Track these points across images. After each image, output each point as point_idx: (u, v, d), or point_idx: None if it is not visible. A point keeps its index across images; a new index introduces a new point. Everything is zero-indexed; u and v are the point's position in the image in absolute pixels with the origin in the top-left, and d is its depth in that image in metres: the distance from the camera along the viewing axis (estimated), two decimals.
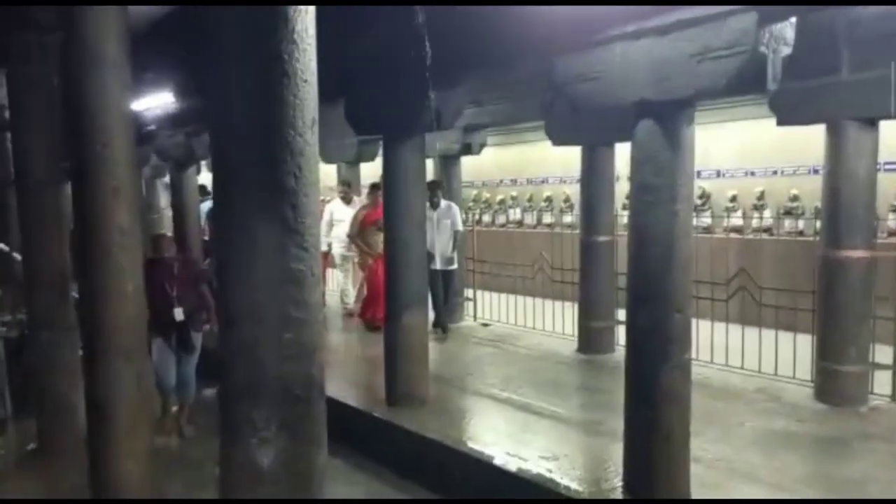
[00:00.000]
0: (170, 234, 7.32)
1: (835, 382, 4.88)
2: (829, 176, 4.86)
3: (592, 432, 4.55)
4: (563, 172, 10.32)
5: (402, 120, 4.70)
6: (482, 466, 4.08)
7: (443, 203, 7.24)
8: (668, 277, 3.27)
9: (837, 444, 4.28)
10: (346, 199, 8.47)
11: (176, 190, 9.08)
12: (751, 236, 7.82)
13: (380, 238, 7.21)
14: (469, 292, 8.00)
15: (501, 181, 11.53)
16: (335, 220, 8.39)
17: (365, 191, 8.45)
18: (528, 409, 5.03)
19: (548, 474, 3.84)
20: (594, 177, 6.41)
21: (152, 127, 8.02)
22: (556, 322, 7.10)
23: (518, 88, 6.08)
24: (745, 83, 3.01)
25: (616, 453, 3.82)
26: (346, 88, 4.90)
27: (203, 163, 9.54)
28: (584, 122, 6.00)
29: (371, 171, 9.09)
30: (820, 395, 4.95)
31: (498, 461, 4.07)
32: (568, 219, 10.00)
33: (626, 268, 3.50)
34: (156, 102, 7.17)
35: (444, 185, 7.63)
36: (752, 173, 8.24)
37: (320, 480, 2.13)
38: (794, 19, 3.01)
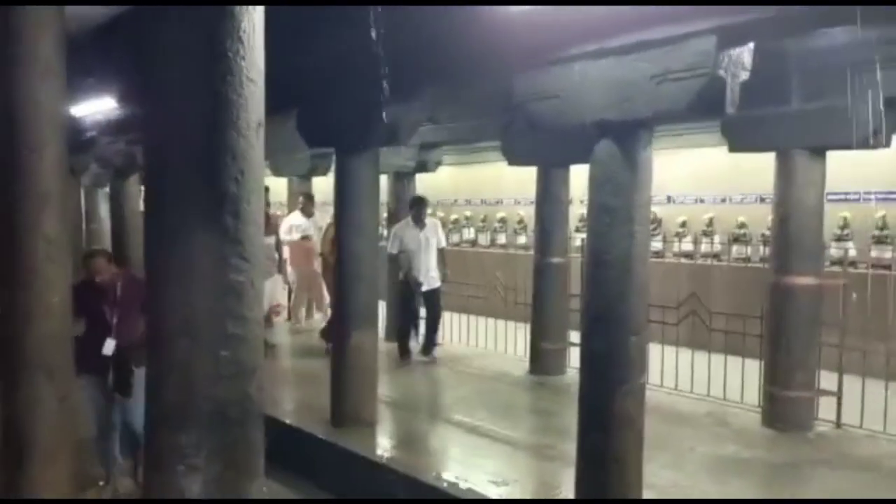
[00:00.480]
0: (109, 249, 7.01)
1: (782, 408, 4.92)
2: (779, 204, 4.94)
3: (543, 456, 4.45)
4: (518, 194, 10.31)
5: (355, 133, 4.58)
6: (430, 491, 3.93)
7: (428, 221, 6.99)
8: (624, 300, 3.22)
9: (787, 470, 4.29)
10: (307, 212, 8.17)
11: (116, 200, 8.69)
12: (700, 262, 7.93)
13: None
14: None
15: (456, 201, 11.48)
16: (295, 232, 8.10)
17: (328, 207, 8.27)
18: (478, 431, 4.91)
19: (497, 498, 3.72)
20: (549, 198, 6.40)
21: (93, 133, 7.67)
22: (509, 343, 7.03)
23: (475, 107, 6.02)
24: (703, 106, 3.00)
25: (567, 478, 3.73)
26: (299, 100, 4.76)
27: None
28: (540, 142, 5.99)
29: (324, 185, 8.91)
30: (767, 421, 4.98)
31: (446, 486, 3.93)
32: (522, 240, 10.01)
33: (582, 289, 3.44)
34: (97, 108, 6.87)
35: (427, 203, 7.30)
36: (702, 200, 8.39)
37: None
38: (751, 45, 3.02)
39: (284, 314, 8.39)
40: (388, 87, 3.94)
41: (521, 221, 10.23)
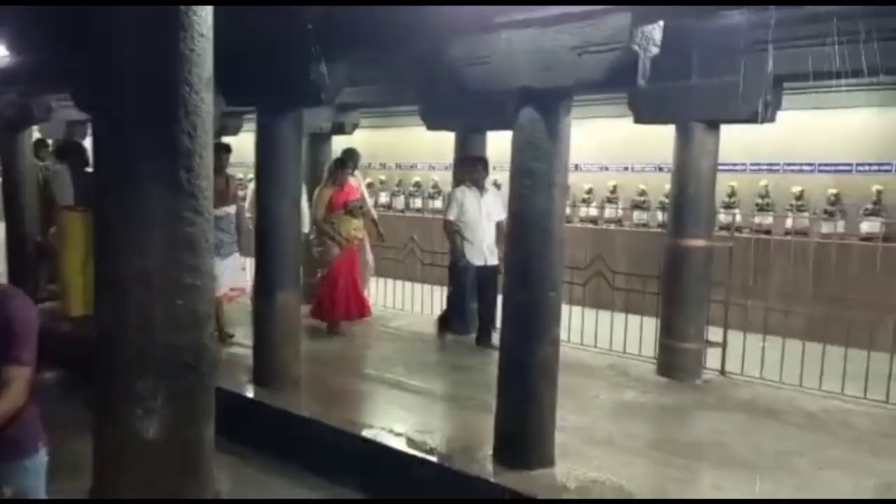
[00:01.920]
0: None
1: (675, 358, 5.41)
2: (677, 172, 5.36)
3: (463, 407, 4.72)
4: (433, 158, 10.48)
5: (279, 92, 4.54)
6: (358, 442, 4.09)
7: (489, 186, 6.21)
8: (544, 257, 3.46)
9: (678, 411, 4.77)
10: None
11: (7, 154, 8.10)
12: (604, 226, 8.42)
13: (351, 224, 6.48)
14: None
15: (371, 164, 11.47)
16: None
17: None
18: (401, 387, 5.11)
19: (424, 445, 3.94)
20: None
21: None
22: (425, 305, 7.23)
23: (395, 69, 6.07)
24: (619, 77, 3.25)
25: (485, 424, 3.98)
26: (219, 56, 4.64)
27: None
28: (459, 108, 6.11)
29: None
30: (662, 370, 5.47)
31: (374, 436, 4.11)
32: (437, 204, 10.20)
33: (504, 249, 3.66)
34: None
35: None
36: (606, 168, 8.86)
37: (209, 453, 2.05)
38: (661, 23, 3.28)
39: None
40: (318, 47, 3.95)
41: (435, 186, 10.41)
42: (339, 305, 6.45)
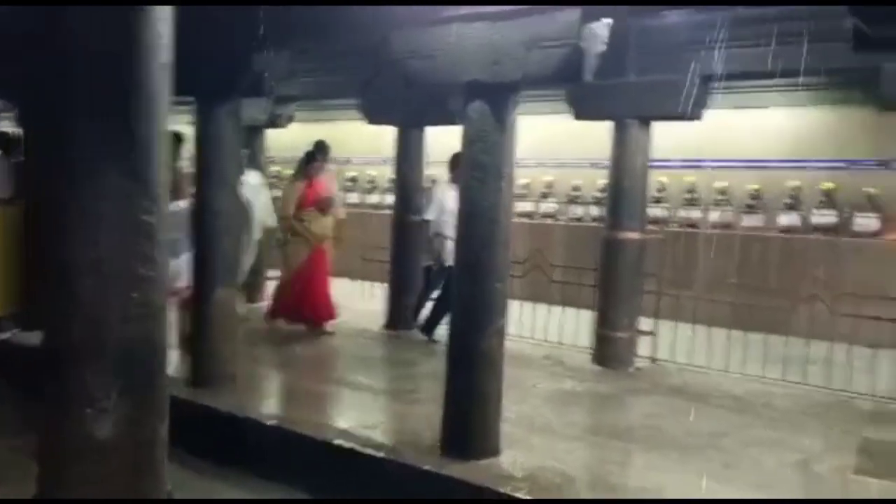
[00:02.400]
0: None
1: (609, 348, 5.60)
2: (614, 168, 5.54)
3: (407, 400, 4.73)
4: (369, 153, 10.40)
5: (219, 82, 4.41)
6: (302, 441, 4.03)
7: None
8: (492, 249, 3.52)
9: (613, 398, 4.95)
10: None
11: None
12: (540, 221, 8.60)
13: (324, 222, 6.22)
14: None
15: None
16: None
17: None
18: (342, 382, 5.08)
19: (370, 440, 3.92)
20: (408, 158, 6.58)
21: None
22: (365, 300, 7.19)
23: (336, 62, 6.01)
24: (566, 73, 3.34)
25: (429, 417, 4.05)
26: None
27: None
28: (400, 103, 6.12)
29: None
30: (597, 359, 5.65)
31: (317, 433, 4.06)
32: (373, 199, 10.14)
33: (456, 242, 3.69)
34: None
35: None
36: (543, 164, 9.04)
37: (162, 452, 1.99)
38: (608, 20, 3.39)
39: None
40: (260, 36, 3.86)
41: (371, 181, 10.34)
42: (305, 306, 6.19)
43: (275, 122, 7.77)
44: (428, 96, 5.32)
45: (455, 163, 5.87)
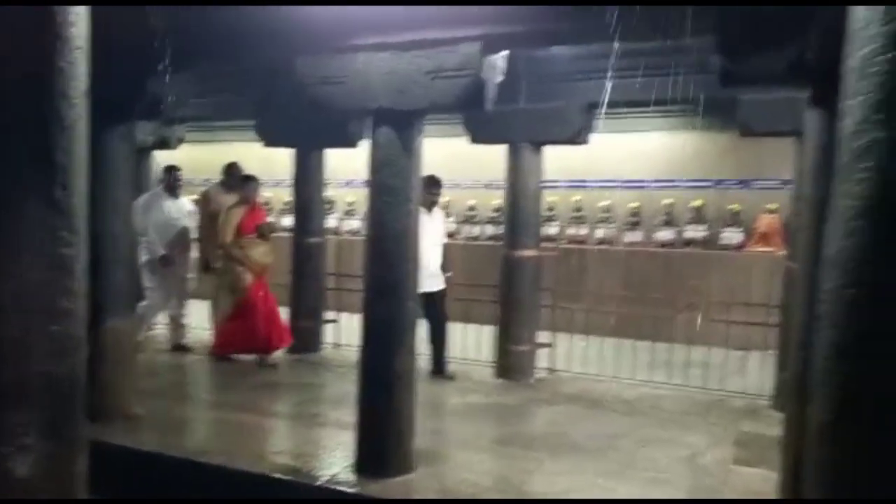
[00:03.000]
0: None
1: (511, 361, 5.84)
2: (510, 190, 5.82)
3: (313, 424, 4.69)
4: (262, 175, 10.20)
5: (114, 105, 4.22)
6: (210, 472, 3.92)
7: (436, 209, 5.90)
8: (402, 269, 3.63)
9: (517, 409, 5.16)
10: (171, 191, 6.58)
11: None
12: None
13: (263, 248, 6.00)
14: None
15: (193, 180, 10.90)
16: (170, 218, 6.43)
17: None
18: (245, 410, 4.96)
19: (283, 467, 3.88)
20: (307, 180, 6.56)
21: None
22: None
23: (232, 83, 5.92)
24: (468, 101, 3.52)
25: (337, 439, 4.13)
26: None
27: None
28: (298, 126, 6.11)
29: None
30: (500, 373, 5.87)
31: (226, 463, 3.96)
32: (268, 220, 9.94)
33: (364, 263, 3.76)
34: None
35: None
36: None
37: (82, 487, 1.93)
38: (506, 52, 3.62)
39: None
40: (159, 58, 3.78)
41: (266, 203, 10.15)
42: (259, 335, 5.94)
43: (165, 144, 7.50)
44: (327, 119, 5.36)
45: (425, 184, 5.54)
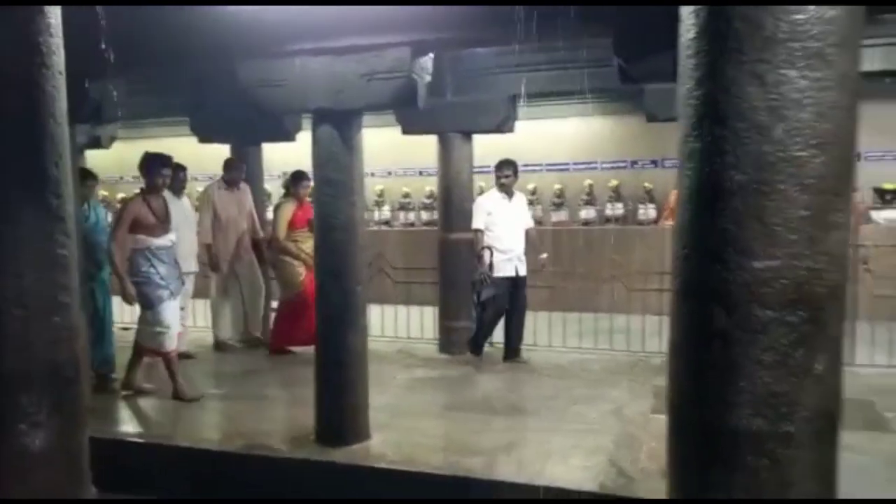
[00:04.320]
0: None
1: (453, 336, 6.25)
2: (443, 177, 6.21)
3: (273, 405, 4.99)
4: (195, 170, 10.21)
5: None
6: (179, 454, 4.16)
7: (517, 192, 5.95)
8: (351, 257, 3.95)
9: (462, 379, 5.57)
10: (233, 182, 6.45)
11: None
12: (374, 228, 9.10)
13: (311, 244, 5.79)
14: None
15: (122, 178, 10.82)
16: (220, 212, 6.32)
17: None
18: (207, 396, 5.17)
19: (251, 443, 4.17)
20: (247, 174, 6.72)
21: None
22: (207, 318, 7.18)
23: (168, 83, 6.02)
24: (402, 100, 3.86)
25: (297, 416, 4.44)
26: None
27: None
28: (234, 121, 6.26)
29: None
30: (443, 348, 6.28)
31: (195, 445, 4.22)
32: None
33: (315, 252, 4.06)
34: None
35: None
36: (373, 174, 9.55)
37: (87, 457, 2.20)
38: (432, 55, 3.97)
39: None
40: (98, 63, 3.91)
41: (199, 198, 10.18)
42: (301, 329, 5.89)
43: (97, 143, 7.46)
44: (262, 114, 5.53)
45: (499, 168, 5.83)
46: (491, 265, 5.64)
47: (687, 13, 1.61)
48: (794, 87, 1.44)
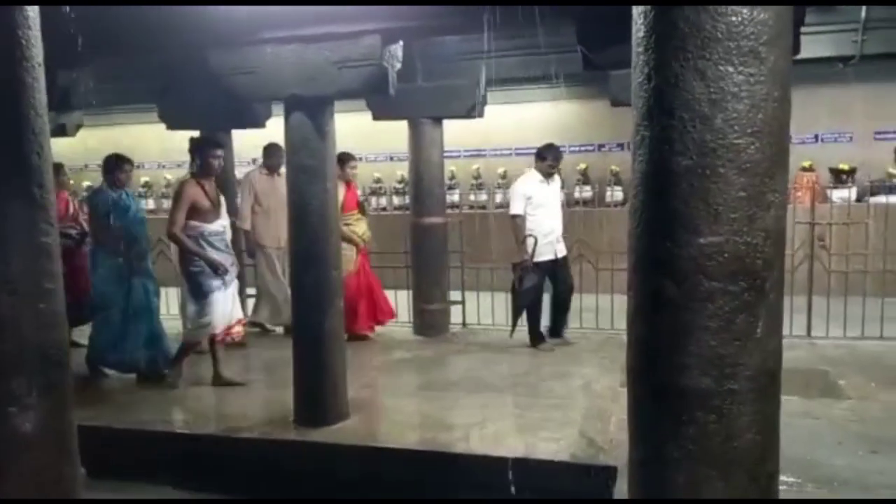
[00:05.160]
0: None
1: (427, 319, 6.39)
2: (414, 162, 6.30)
3: (249, 389, 5.06)
4: (162, 157, 10.17)
5: None
6: (159, 438, 4.24)
7: (556, 175, 5.87)
8: (325, 242, 4.04)
9: (437, 360, 5.71)
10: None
11: None
12: None
13: (363, 225, 6.06)
14: None
15: (87, 165, 10.68)
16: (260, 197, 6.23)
17: None
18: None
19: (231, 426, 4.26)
20: None
21: None
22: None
23: (129, 69, 5.97)
24: (373, 87, 3.94)
25: (275, 399, 4.53)
26: None
27: None
28: (201, 109, 6.23)
29: None
30: (418, 330, 6.41)
31: (176, 429, 4.30)
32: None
33: (290, 237, 4.14)
34: None
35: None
36: None
37: (75, 438, 2.28)
38: (402, 42, 4.05)
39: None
40: (71, 52, 3.91)
41: (169, 185, 10.13)
42: (382, 307, 6.24)
43: (62, 131, 7.37)
44: (231, 101, 5.53)
45: (542, 152, 5.72)
46: (533, 252, 5.59)
47: (637, 13, 1.75)
48: (732, 82, 1.60)
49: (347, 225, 5.82)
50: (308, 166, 3.99)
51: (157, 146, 9.81)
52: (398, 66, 4.07)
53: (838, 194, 7.76)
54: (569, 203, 8.55)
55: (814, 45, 4.89)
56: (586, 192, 8.57)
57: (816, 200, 6.91)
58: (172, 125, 6.76)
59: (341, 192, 5.76)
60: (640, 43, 1.72)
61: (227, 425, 4.29)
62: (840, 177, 8.33)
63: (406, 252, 6.57)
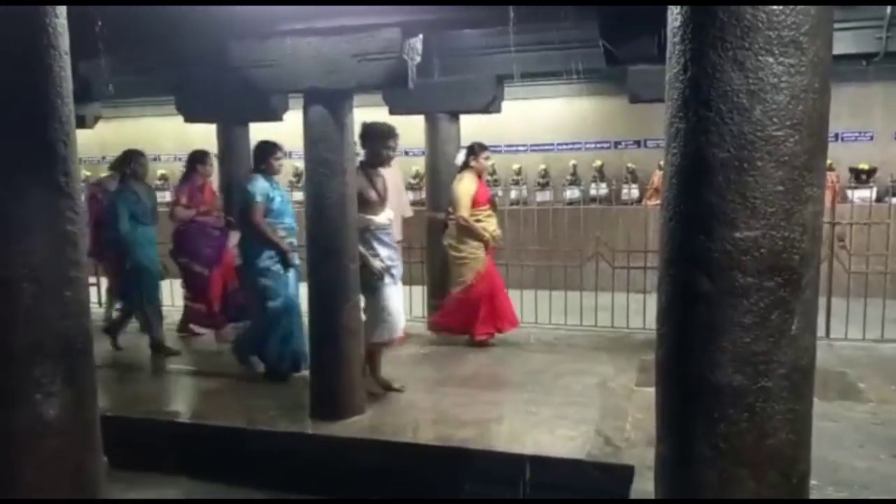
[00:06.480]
0: None
1: None
2: (430, 156, 6.28)
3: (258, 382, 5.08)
4: (178, 150, 10.19)
5: None
6: (177, 429, 4.25)
7: None
8: (343, 235, 4.03)
9: (452, 355, 5.68)
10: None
11: None
12: None
13: (494, 221, 5.62)
14: None
15: (104, 157, 10.72)
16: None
17: None
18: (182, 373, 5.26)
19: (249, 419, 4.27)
20: (232, 154, 6.75)
21: None
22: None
23: (147, 61, 5.98)
24: (393, 80, 3.92)
25: (287, 393, 4.56)
26: None
27: None
28: (219, 101, 6.24)
29: None
30: (433, 326, 6.38)
31: (191, 420, 4.31)
32: None
33: (307, 230, 4.13)
34: None
35: None
36: (358, 154, 9.57)
37: (98, 426, 2.28)
38: (421, 36, 4.02)
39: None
40: (94, 45, 3.92)
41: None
42: (505, 313, 5.77)
43: (81, 123, 7.42)
44: (248, 93, 5.52)
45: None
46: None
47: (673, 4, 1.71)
48: (772, 72, 1.56)
49: (478, 221, 5.48)
50: (327, 160, 3.97)
51: (174, 139, 9.85)
52: (418, 59, 4.05)
53: (858, 194, 7.67)
54: (584, 200, 8.55)
55: (836, 42, 4.82)
56: (602, 189, 8.52)
57: (836, 200, 6.83)
58: (189, 118, 6.79)
59: (473, 184, 5.46)
60: (676, 33, 1.69)
61: (247, 416, 4.30)
62: (860, 176, 8.23)
63: (422, 247, 6.54)
